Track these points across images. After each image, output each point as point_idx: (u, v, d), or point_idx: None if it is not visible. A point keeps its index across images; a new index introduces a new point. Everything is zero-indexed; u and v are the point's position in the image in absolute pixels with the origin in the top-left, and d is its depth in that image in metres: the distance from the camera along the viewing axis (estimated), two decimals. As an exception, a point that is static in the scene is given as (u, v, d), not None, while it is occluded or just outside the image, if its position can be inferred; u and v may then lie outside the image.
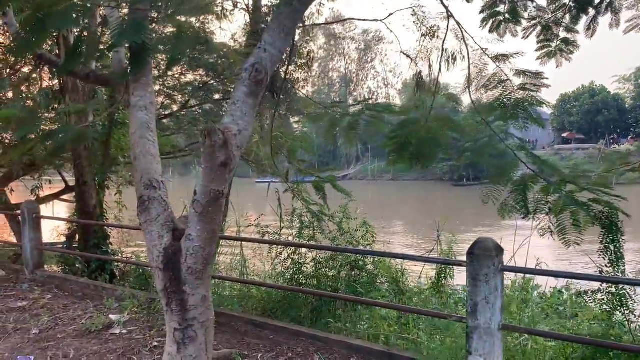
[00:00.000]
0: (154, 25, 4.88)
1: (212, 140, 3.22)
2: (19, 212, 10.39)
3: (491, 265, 3.41)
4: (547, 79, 5.75)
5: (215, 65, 10.75)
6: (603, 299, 4.91)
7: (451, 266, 7.28)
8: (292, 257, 6.83)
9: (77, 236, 10.02)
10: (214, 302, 3.72)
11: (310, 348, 4.27)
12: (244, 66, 3.51)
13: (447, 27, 6.22)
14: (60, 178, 12.08)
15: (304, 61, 11.20)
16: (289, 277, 6.71)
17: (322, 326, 5.82)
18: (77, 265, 8.55)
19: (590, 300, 5.18)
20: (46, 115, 10.60)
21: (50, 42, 8.61)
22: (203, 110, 13.56)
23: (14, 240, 10.59)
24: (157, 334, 4.59)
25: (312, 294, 5.77)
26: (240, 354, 4.13)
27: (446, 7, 5.81)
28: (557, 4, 6.82)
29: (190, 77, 11.98)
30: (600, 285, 4.94)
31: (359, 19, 10.80)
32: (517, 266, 4.82)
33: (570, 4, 6.71)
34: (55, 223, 11.39)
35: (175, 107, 12.05)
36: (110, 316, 5.04)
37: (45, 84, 11.00)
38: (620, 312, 4.86)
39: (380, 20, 10.28)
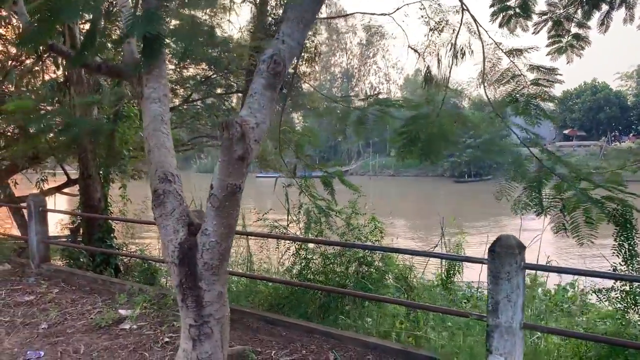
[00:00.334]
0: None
1: (229, 133, 3.15)
2: (23, 204, 10.36)
3: (513, 263, 3.35)
4: (561, 74, 5.69)
5: (218, 58, 10.64)
6: (617, 297, 4.87)
7: (459, 263, 7.26)
8: (300, 252, 6.79)
9: (81, 230, 9.96)
10: (223, 297, 3.66)
11: (325, 345, 4.21)
12: (262, 58, 3.44)
13: (461, 20, 6.14)
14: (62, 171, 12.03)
15: (311, 55, 11.11)
16: (296, 272, 6.66)
17: (331, 322, 5.78)
18: (81, 259, 8.47)
19: (604, 298, 5.14)
20: (49, 108, 10.55)
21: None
22: (205, 104, 13.49)
23: (15, 233, 10.53)
24: (168, 329, 4.53)
25: (324, 290, 5.70)
26: (253, 351, 4.07)
27: (461, 0, 5.73)
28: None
29: (192, 70, 11.87)
30: (614, 283, 4.89)
31: (366, 13, 10.75)
32: (539, 264, 4.73)
33: (584, -1, 6.63)
34: (58, 216, 11.32)
35: (177, 101, 11.97)
36: (120, 311, 4.98)
37: (47, 77, 10.95)
38: (635, 310, 4.82)
39: (389, 14, 10.21)
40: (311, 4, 3.43)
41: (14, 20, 9.93)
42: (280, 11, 10.23)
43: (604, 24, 6.67)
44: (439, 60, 9.36)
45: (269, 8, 10.25)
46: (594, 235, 3.93)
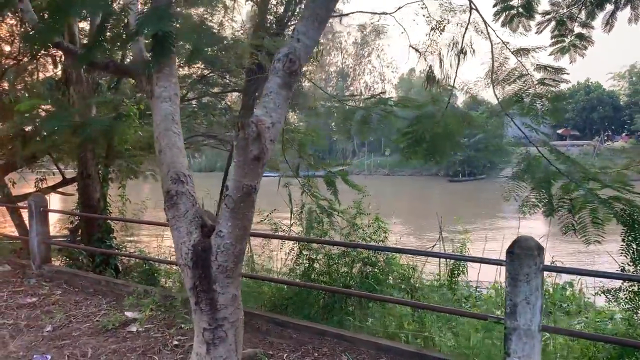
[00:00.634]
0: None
1: (245, 133, 3.09)
2: (20, 204, 10.24)
3: (532, 265, 3.31)
4: (568, 74, 5.68)
5: (215, 57, 10.53)
6: (626, 298, 4.85)
7: (464, 263, 7.22)
8: (303, 252, 6.75)
9: (80, 230, 9.86)
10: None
11: (337, 348, 4.16)
12: (277, 56, 3.38)
13: (469, 19, 6.12)
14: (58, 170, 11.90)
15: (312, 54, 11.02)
16: (300, 273, 6.62)
17: (335, 323, 5.73)
18: (82, 260, 8.38)
19: (612, 298, 5.12)
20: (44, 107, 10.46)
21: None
22: (201, 103, 13.38)
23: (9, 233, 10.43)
24: (177, 332, 4.46)
25: (331, 291, 5.65)
26: (265, 354, 4.01)
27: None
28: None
29: (186, 69, 11.76)
30: (622, 283, 4.88)
31: (366, 12, 10.71)
32: (558, 266, 4.69)
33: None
34: (55, 216, 11.21)
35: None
36: (126, 313, 4.91)
37: (42, 75, 10.83)
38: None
39: (390, 14, 10.16)
40: (325, 2, 3.38)
41: (8, 19, 9.85)
42: (282, 9, 10.17)
43: (609, 23, 6.65)
44: (440, 60, 9.33)
45: (270, 6, 10.15)
46: (601, 236, 3.92)
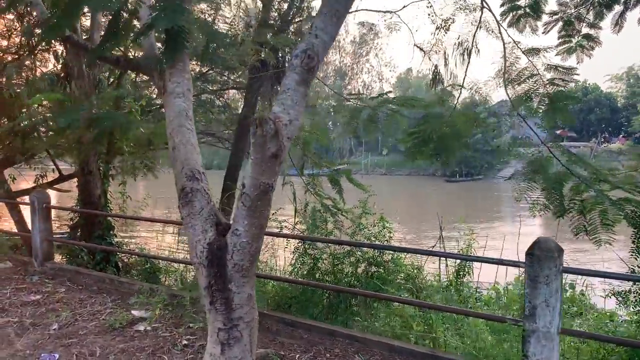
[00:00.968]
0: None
1: (263, 130, 3.03)
2: (19, 200, 10.14)
3: (552, 267, 3.26)
4: (578, 74, 5.66)
5: (215, 54, 10.40)
6: (636, 300, 4.83)
7: (469, 263, 7.17)
8: (308, 252, 6.70)
9: (79, 227, 9.77)
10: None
11: (349, 349, 4.11)
12: (295, 52, 3.33)
13: (480, 18, 6.07)
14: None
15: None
16: (305, 272, 6.56)
17: (340, 323, 5.68)
18: (83, 257, 8.30)
19: (622, 300, 5.09)
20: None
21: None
22: (199, 100, 13.29)
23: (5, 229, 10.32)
24: (185, 331, 4.39)
25: (338, 291, 5.59)
26: (277, 354, 3.95)
27: (483, -2, 5.66)
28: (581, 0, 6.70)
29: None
30: (632, 285, 4.86)
31: (372, 10, 10.61)
32: (577, 268, 4.64)
33: (597, 0, 6.58)
34: (53, 213, 11.09)
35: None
36: (133, 312, 4.84)
37: (40, 71, 10.73)
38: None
39: (395, 12, 10.11)
40: (344, -3, 3.33)
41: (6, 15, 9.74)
42: (285, 5, 10.09)
43: (618, 24, 6.63)
44: (445, 59, 9.27)
45: (274, 2, 10.09)
46: (611, 237, 3.89)
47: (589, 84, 68.33)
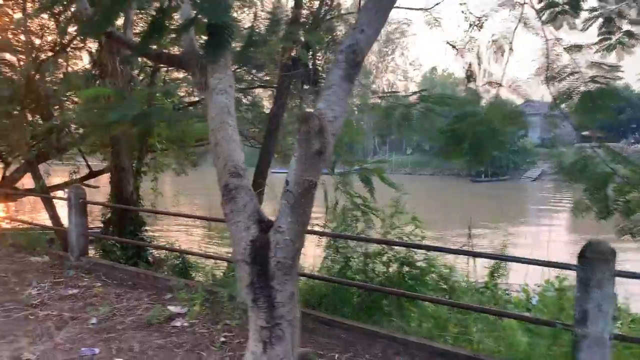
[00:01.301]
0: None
1: (308, 126, 3.00)
2: (54, 194, 10.33)
3: (606, 271, 3.16)
4: (622, 71, 5.51)
5: (251, 54, 10.41)
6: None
7: (505, 264, 7.02)
8: (340, 250, 6.66)
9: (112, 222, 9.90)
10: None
11: (388, 350, 4.05)
12: (340, 48, 3.29)
13: (521, 14, 5.94)
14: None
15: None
16: (336, 270, 6.52)
17: (372, 323, 5.62)
18: (116, 252, 8.40)
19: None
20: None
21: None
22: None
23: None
24: (223, 328, 4.38)
25: (373, 290, 5.54)
26: (315, 354, 3.92)
27: (525, -7, 5.52)
28: (623, -4, 6.50)
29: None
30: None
31: (402, 7, 10.44)
32: (632, 272, 4.50)
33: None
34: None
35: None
36: (169, 307, 4.85)
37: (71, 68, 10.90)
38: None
39: (428, 10, 9.99)
40: (391, -9, 3.27)
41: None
42: (317, 3, 10.03)
43: (657, 21, 6.41)
44: (479, 57, 9.11)
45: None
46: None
47: (620, 83, 66.81)
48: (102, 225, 9.79)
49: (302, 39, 8.66)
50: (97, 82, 9.47)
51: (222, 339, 4.17)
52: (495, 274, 7.09)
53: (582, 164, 4.91)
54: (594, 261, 3.19)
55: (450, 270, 6.78)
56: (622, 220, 4.45)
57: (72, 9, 7.95)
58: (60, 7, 8.03)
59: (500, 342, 4.91)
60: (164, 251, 9.36)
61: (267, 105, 13.48)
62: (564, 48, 5.67)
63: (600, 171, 4.72)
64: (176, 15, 4.15)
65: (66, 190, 10.24)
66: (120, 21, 4.81)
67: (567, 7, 6.44)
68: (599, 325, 3.16)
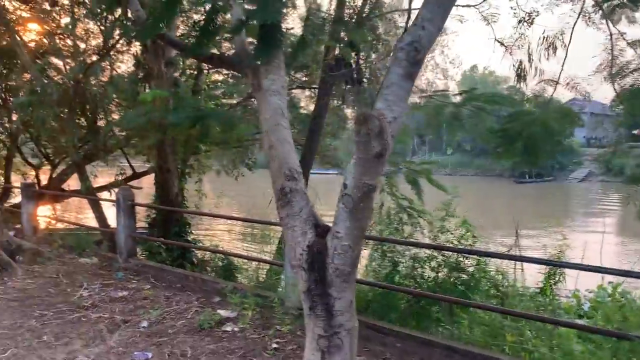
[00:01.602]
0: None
1: (368, 127, 2.86)
2: (99, 196, 10.51)
3: (693, 281, 2.91)
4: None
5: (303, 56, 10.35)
6: None
7: (563, 270, 6.70)
8: (388, 254, 6.51)
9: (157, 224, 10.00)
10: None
11: (448, 361, 3.88)
12: (400, 45, 3.13)
13: (581, 9, 5.69)
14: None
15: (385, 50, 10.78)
16: (384, 275, 6.38)
17: (421, 330, 5.44)
18: (162, 253, 8.46)
19: None
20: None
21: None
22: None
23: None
24: (275, 334, 4.29)
25: (425, 296, 5.36)
26: (373, 364, 3.79)
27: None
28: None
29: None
30: None
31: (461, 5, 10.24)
32: None
33: None
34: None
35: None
36: (220, 311, 4.81)
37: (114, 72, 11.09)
38: None
39: (474, 6, 9.71)
40: (452, -15, 3.11)
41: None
42: (360, 1, 9.89)
43: None
44: (529, 54, 8.79)
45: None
46: None
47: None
48: (147, 226, 9.88)
49: (346, 38, 8.55)
50: (143, 85, 9.57)
51: (275, 345, 4.09)
52: (552, 280, 6.82)
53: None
54: (679, 271, 2.96)
55: (503, 275, 6.55)
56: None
57: (117, 13, 8.05)
58: (109, 11, 8.16)
59: (556, 351, 4.67)
60: (207, 252, 9.41)
61: (304, 105, 13.41)
62: (627, 43, 5.39)
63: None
64: (227, 16, 4.11)
65: (114, 190, 10.44)
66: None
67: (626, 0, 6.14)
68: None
